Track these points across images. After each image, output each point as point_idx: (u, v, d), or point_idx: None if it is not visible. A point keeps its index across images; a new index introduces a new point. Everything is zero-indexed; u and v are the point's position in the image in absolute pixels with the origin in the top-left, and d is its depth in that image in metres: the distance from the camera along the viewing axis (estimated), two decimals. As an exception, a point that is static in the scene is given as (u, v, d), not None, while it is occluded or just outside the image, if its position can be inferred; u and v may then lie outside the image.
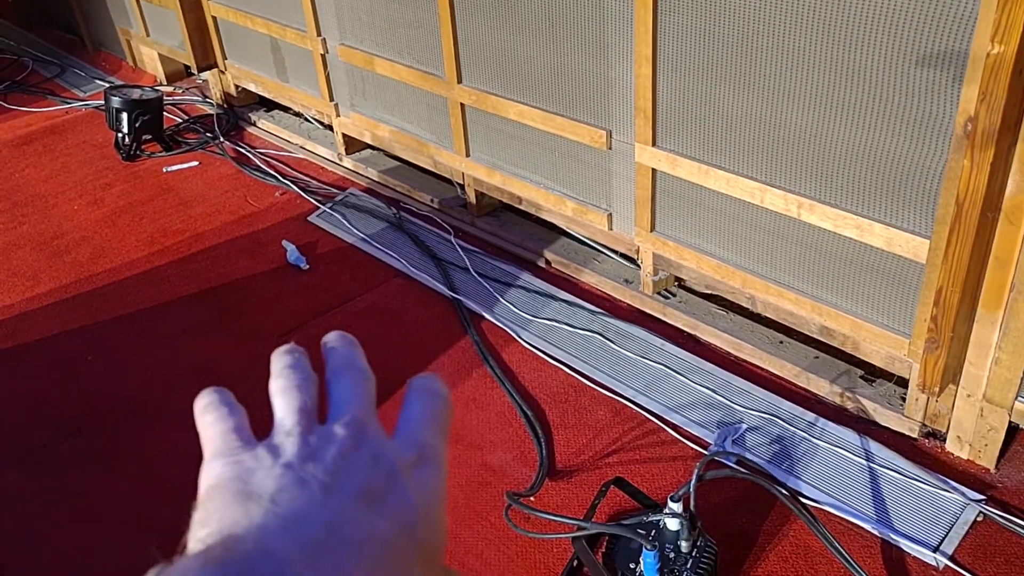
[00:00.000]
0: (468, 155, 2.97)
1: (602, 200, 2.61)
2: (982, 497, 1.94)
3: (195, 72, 4.23)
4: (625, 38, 2.27)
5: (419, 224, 3.19)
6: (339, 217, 3.27)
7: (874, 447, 2.08)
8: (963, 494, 1.94)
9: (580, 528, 1.74)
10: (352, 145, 3.59)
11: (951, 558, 1.82)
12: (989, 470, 2.02)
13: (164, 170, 3.76)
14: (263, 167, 3.70)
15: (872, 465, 2.04)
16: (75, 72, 4.93)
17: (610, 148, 2.48)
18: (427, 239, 3.09)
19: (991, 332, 1.87)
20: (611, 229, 2.62)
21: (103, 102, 3.91)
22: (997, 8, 1.50)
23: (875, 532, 1.89)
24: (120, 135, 3.82)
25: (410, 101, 3.10)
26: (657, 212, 2.45)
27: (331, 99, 3.47)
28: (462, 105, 2.87)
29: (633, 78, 2.29)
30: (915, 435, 2.12)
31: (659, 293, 2.63)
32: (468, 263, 2.93)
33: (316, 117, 3.83)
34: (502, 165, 2.88)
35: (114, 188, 3.66)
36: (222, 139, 3.93)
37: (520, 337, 2.59)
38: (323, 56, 3.37)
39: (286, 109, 4.07)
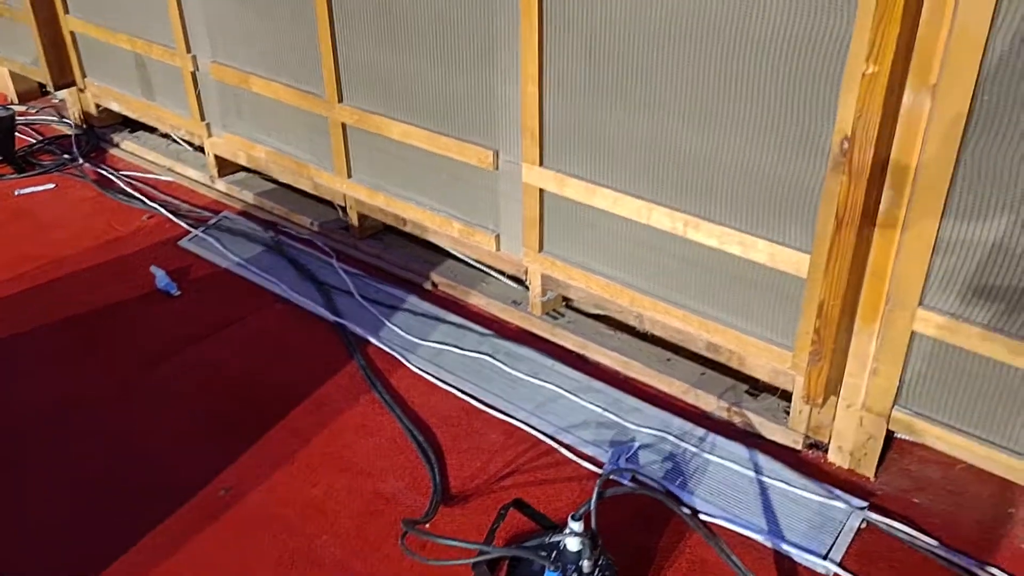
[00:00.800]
0: (350, 176, 2.90)
1: (489, 221, 2.58)
2: (865, 504, 2.00)
3: (51, 91, 3.98)
4: (512, 56, 2.27)
5: (299, 247, 3.08)
6: (212, 241, 3.12)
7: (762, 460, 2.12)
8: (847, 502, 2.00)
9: (481, 552, 1.68)
10: (225, 167, 3.44)
11: (840, 564, 1.86)
12: (869, 478, 2.09)
13: (15, 193, 3.50)
14: (128, 190, 3.49)
15: (761, 478, 2.08)
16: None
17: (497, 168, 2.46)
18: (307, 263, 2.99)
19: (868, 344, 1.95)
20: (499, 250, 2.60)
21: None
22: (871, 28, 1.57)
23: (767, 543, 1.92)
24: (-35, 156, 3.55)
25: (288, 121, 3.00)
26: (545, 232, 2.44)
27: (202, 118, 3.33)
28: (343, 125, 2.80)
29: (520, 97, 2.28)
30: (799, 447, 2.17)
31: (548, 314, 2.62)
32: (351, 287, 2.84)
33: (185, 138, 3.66)
34: (385, 186, 2.82)
35: (-42, 211, 3.38)
36: (81, 161, 3.70)
37: (408, 361, 2.53)
38: (193, 74, 3.23)
39: (152, 130, 3.88)
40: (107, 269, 3.02)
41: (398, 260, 2.94)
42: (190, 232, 3.19)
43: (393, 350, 2.57)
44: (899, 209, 1.77)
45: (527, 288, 2.72)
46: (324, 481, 2.14)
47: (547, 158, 2.32)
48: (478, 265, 2.85)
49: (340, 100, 2.75)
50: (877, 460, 2.08)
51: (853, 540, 1.92)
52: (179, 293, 2.86)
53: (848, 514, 1.98)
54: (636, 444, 2.20)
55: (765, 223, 1.98)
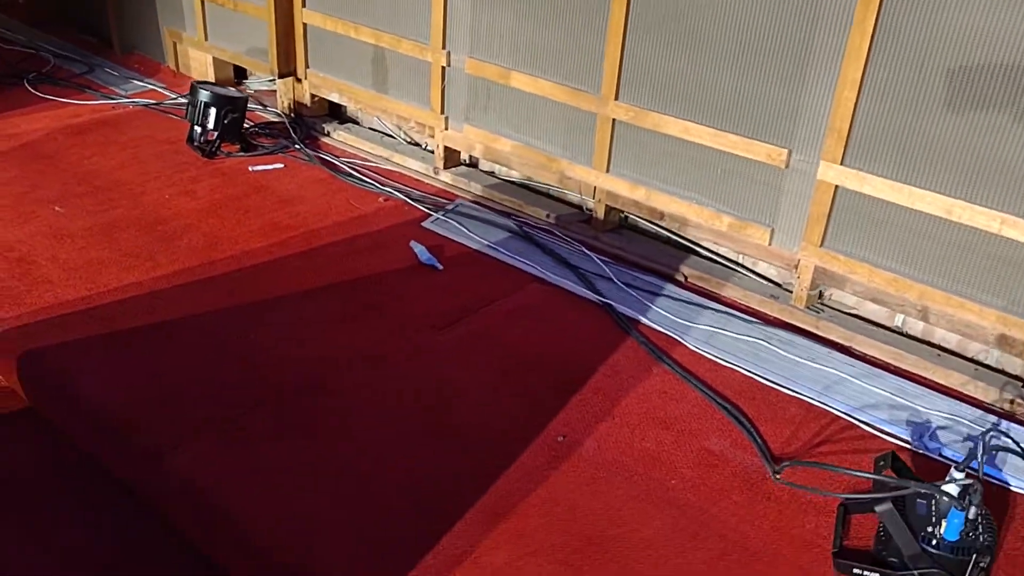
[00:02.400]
0: (608, 170, 3.09)
1: (766, 216, 2.77)
2: None
3: (249, 80, 4.19)
4: (828, 64, 2.47)
5: (542, 235, 3.26)
6: (456, 224, 3.30)
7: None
8: None
9: (895, 488, 1.84)
10: (450, 160, 3.64)
11: None
12: None
13: (250, 169, 3.69)
14: (356, 173, 3.68)
15: (1063, 460, 2.24)
16: (106, 72, 4.76)
17: (787, 166, 2.66)
18: (556, 248, 3.16)
19: None
20: (771, 244, 2.78)
21: (186, 95, 3.82)
22: None
23: (1091, 516, 2.07)
24: (200, 131, 3.73)
25: (543, 116, 3.20)
26: (830, 228, 2.63)
27: (442, 111, 3.53)
28: (613, 121, 3.00)
29: (830, 101, 2.48)
30: (1087, 437, 2.33)
31: (810, 307, 2.79)
32: (608, 272, 3.02)
33: (407, 131, 3.86)
34: (648, 180, 3.01)
35: (202, 182, 3.56)
36: (300, 146, 3.89)
37: (684, 341, 2.69)
38: (443, 68, 3.44)
39: (355, 123, 4.09)
40: (363, 242, 3.19)
41: (644, 252, 3.12)
42: (430, 215, 3.37)
43: (666, 330, 2.73)
44: None
45: (777, 284, 2.90)
46: (651, 435, 2.29)
47: (849, 157, 2.51)
48: (723, 261, 3.03)
49: (616, 97, 2.95)
50: None
51: None
52: (442, 268, 3.03)
53: None
54: (934, 425, 2.36)
55: (1092, 223, 2.17)
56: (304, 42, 3.95)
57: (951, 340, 2.63)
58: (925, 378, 2.56)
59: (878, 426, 2.36)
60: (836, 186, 2.56)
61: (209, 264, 2.98)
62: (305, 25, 3.90)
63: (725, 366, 2.59)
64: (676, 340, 2.70)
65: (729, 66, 2.68)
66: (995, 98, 2.23)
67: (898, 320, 2.73)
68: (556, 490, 2.09)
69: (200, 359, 2.49)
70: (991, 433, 2.25)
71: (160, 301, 2.76)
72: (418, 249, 3.09)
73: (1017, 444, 2.15)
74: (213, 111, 3.68)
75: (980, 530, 1.81)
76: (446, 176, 3.65)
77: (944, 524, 1.80)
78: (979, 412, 2.41)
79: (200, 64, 4.57)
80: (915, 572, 1.80)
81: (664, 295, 2.93)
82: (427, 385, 2.44)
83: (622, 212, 3.23)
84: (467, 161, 3.73)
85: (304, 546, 1.88)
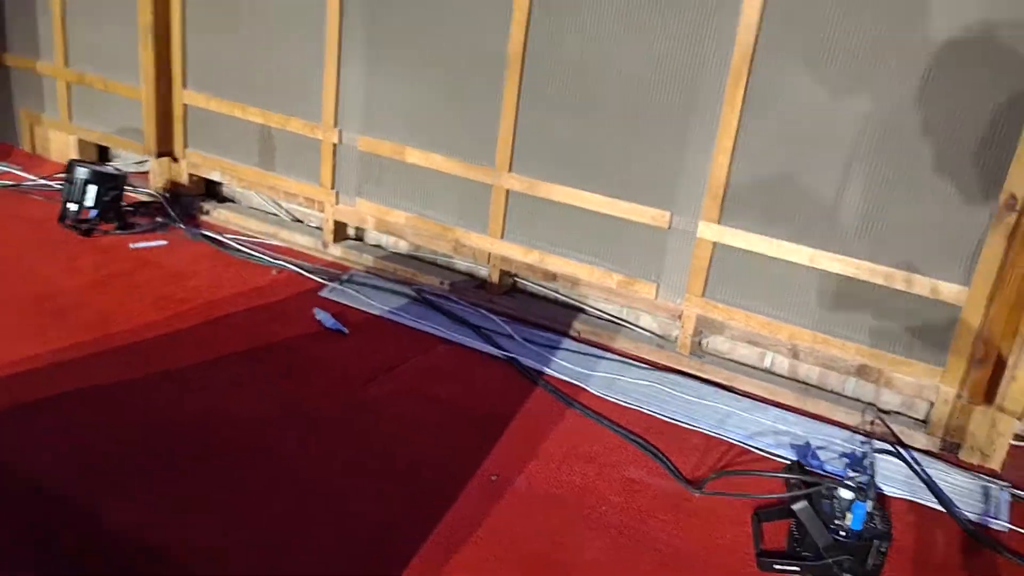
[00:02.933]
0: (503, 236, 3.31)
1: (652, 272, 3.07)
2: (1007, 484, 2.56)
3: (119, 160, 4.15)
4: (704, 134, 2.84)
5: (439, 301, 3.41)
6: (354, 293, 3.40)
7: (917, 455, 2.65)
8: (993, 482, 2.56)
9: (808, 486, 2.09)
10: (338, 234, 3.75)
11: (1009, 523, 2.39)
12: (996, 469, 2.66)
13: (131, 246, 3.63)
14: (244, 249, 3.71)
15: (922, 468, 2.60)
16: (-50, 154, 4.54)
17: (670, 227, 2.98)
18: (456, 311, 3.32)
19: (1009, 355, 2.56)
20: (657, 298, 3.08)
21: (44, 177, 3.73)
22: (1054, 113, 2.26)
23: (944, 511, 2.43)
24: (75, 208, 3.66)
25: (438, 188, 3.41)
26: (709, 280, 2.96)
27: (333, 187, 3.66)
28: (507, 191, 3.24)
29: (708, 166, 2.85)
30: (936, 449, 2.72)
31: (693, 353, 3.09)
32: (509, 330, 3.21)
33: (292, 208, 3.94)
34: (540, 244, 3.25)
35: (84, 259, 3.47)
36: (182, 223, 3.88)
37: (588, 387, 2.91)
38: (335, 145, 3.58)
39: (232, 202, 4.13)
40: (265, 311, 3.23)
41: (538, 312, 3.34)
42: (326, 285, 3.46)
43: (570, 378, 2.94)
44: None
45: (659, 336, 3.20)
46: (576, 469, 2.47)
47: (724, 217, 2.87)
48: (610, 318, 3.30)
49: (510, 169, 3.21)
50: (1006, 461, 2.66)
51: (1011, 507, 2.47)
52: (348, 332, 3.11)
53: (997, 491, 2.53)
54: (813, 446, 2.67)
55: (925, 263, 2.60)
56: (184, 122, 3.98)
57: (813, 375, 2.99)
58: (798, 408, 2.90)
59: (769, 450, 2.65)
60: (714, 242, 2.90)
61: (106, 337, 2.92)
62: (185, 105, 3.94)
63: (628, 407, 2.82)
64: (580, 387, 2.91)
65: (616, 138, 3.00)
66: (838, 164, 2.65)
67: (767, 361, 3.08)
68: (499, 523, 2.21)
69: (120, 424, 2.45)
70: (869, 445, 2.59)
71: (62, 372, 2.67)
72: (322, 316, 3.17)
73: (895, 447, 2.50)
74: (93, 188, 3.62)
75: (878, 520, 2.10)
76: (335, 249, 3.75)
77: (849, 516, 2.07)
78: (847, 433, 2.76)
79: (61, 145, 4.46)
80: (829, 560, 2.05)
81: (562, 348, 3.15)
82: (362, 437, 2.51)
83: (515, 276, 3.45)
84: (354, 236, 3.85)
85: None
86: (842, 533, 2.06)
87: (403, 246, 3.74)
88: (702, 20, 2.77)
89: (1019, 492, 2.54)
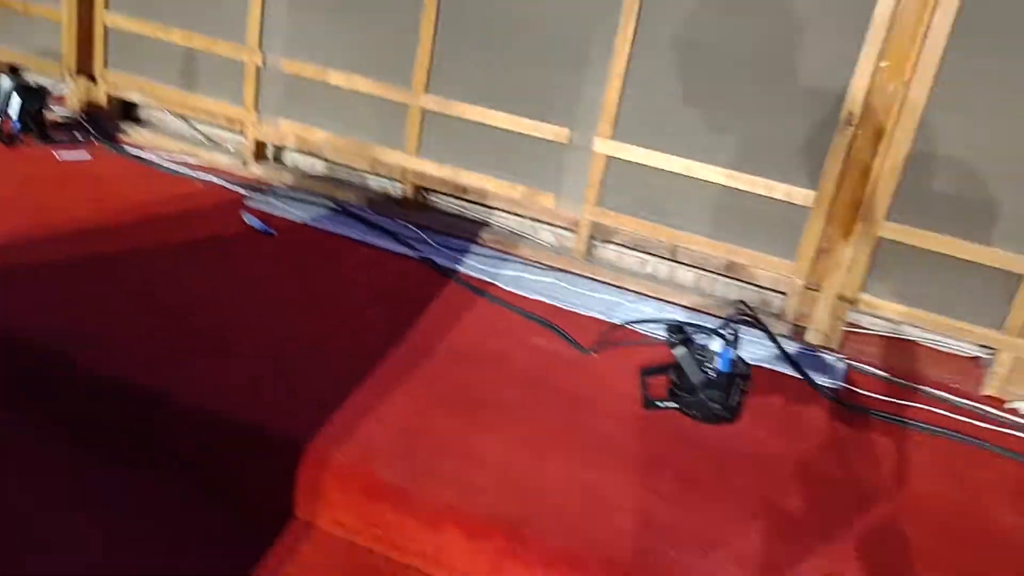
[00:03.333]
0: (418, 154, 3.64)
1: (551, 185, 3.47)
2: (843, 356, 3.09)
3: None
4: (604, 61, 3.25)
5: (358, 211, 3.71)
6: (277, 203, 3.66)
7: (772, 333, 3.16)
8: (834, 356, 3.09)
9: (681, 330, 2.54)
10: (258, 153, 3.99)
11: (844, 381, 2.92)
12: (835, 349, 3.19)
13: (58, 157, 3.77)
14: (167, 164, 3.90)
15: (783, 345, 3.10)
16: None
17: (570, 143, 3.39)
18: (374, 221, 3.63)
19: (846, 250, 3.09)
20: (556, 207, 3.48)
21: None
22: (884, 40, 2.78)
23: (798, 375, 2.93)
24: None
25: (358, 108, 3.70)
26: (603, 190, 3.38)
27: (256, 107, 3.89)
28: (423, 111, 3.57)
29: (604, 89, 3.26)
30: (788, 333, 3.24)
31: (587, 258, 3.51)
32: (424, 236, 3.55)
33: (212, 128, 4.14)
34: (453, 161, 3.60)
35: (12, 166, 3.60)
36: (103, 139, 4.02)
37: (497, 283, 3.28)
38: (258, 67, 3.82)
39: (150, 123, 4.30)
40: (195, 215, 3.45)
41: (449, 223, 3.69)
42: (250, 197, 3.70)
43: (480, 275, 3.31)
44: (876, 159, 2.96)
45: (556, 247, 3.61)
46: (491, 340, 2.84)
47: (617, 133, 3.29)
48: (512, 229, 3.69)
49: (426, 90, 3.54)
50: (841, 339, 3.20)
51: (846, 373, 3.00)
52: (276, 234, 3.38)
53: (835, 361, 3.06)
54: (691, 331, 3.14)
55: (782, 171, 3.09)
56: (104, 43, 4.11)
57: (688, 279, 3.46)
58: (676, 302, 3.36)
59: (651, 332, 3.10)
60: (608, 156, 3.32)
61: (49, 226, 3.10)
62: (106, 26, 4.07)
63: (531, 299, 3.21)
64: (489, 283, 3.28)
65: (523, 63, 3.37)
66: (712, 86, 3.11)
67: (648, 268, 3.53)
68: (432, 372, 2.57)
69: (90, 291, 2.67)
70: (735, 311, 3.08)
71: (14, 248, 2.86)
72: (250, 219, 3.42)
73: (755, 318, 3.01)
74: (17, 99, 3.74)
75: (740, 365, 2.57)
76: (256, 168, 3.98)
77: (718, 360, 2.53)
78: (720, 321, 3.24)
79: (-30, 66, 4.49)
80: (702, 396, 2.51)
81: (472, 253, 3.51)
82: (307, 312, 2.82)
83: (427, 191, 3.78)
84: (273, 157, 4.09)
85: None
86: (712, 373, 2.52)
87: (320, 167, 4.01)
88: (601, -42, 3.18)
89: (851, 362, 3.08)
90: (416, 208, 3.78)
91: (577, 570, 1.93)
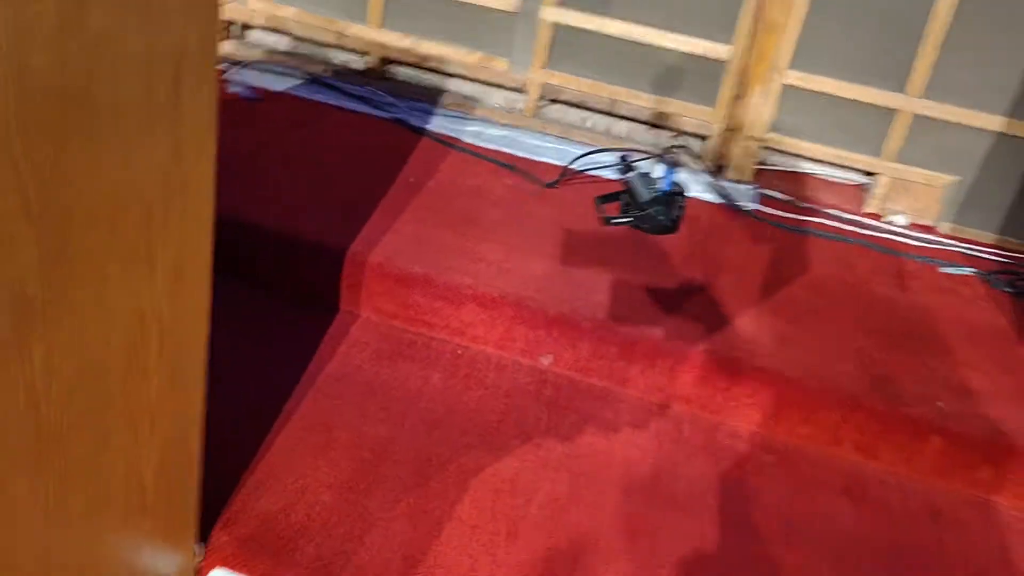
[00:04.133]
0: (382, 26, 4.05)
1: (502, 50, 3.94)
2: (756, 185, 3.74)
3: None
4: (545, -64, 3.70)
5: (328, 81, 4.11)
6: (252, 75, 4.02)
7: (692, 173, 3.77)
8: (748, 187, 3.73)
9: (629, 160, 3.11)
10: (225, 33, 4.30)
11: (759, 203, 3.57)
12: (749, 182, 3.83)
13: None
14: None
15: (708, 178, 3.71)
16: None
17: (519, 12, 3.85)
18: (345, 89, 4.04)
19: (755, 96, 3.70)
20: (510, 71, 3.97)
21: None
22: (786, -86, 3.33)
23: (724, 203, 3.56)
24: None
25: (322, -14, 4.06)
26: (551, 54, 3.88)
27: (221, -13, 4.18)
28: (385, -14, 3.96)
29: (548, -39, 3.73)
30: (710, 171, 3.86)
31: (536, 116, 4.03)
32: (393, 100, 3.99)
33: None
34: (414, 31, 4.02)
35: None
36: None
37: (461, 139, 3.78)
38: (223, -51, 4.10)
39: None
40: (183, 86, 3.79)
41: (410, 90, 4.13)
42: (225, 69, 4.04)
43: (447, 132, 3.80)
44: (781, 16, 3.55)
45: (504, 106, 4.10)
46: (467, 178, 3.36)
47: (563, 0, 3.77)
48: (465, 92, 4.16)
49: (387, -33, 3.92)
50: (754, 174, 3.84)
51: (759, 199, 3.65)
52: (263, 99, 3.77)
53: (749, 190, 3.70)
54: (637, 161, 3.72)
55: (703, 30, 3.65)
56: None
57: (624, 130, 4.03)
58: (615, 149, 3.93)
59: (600, 169, 3.66)
60: (555, 23, 3.81)
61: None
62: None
63: (493, 149, 3.73)
64: (455, 138, 3.77)
65: (474, -59, 3.79)
66: (648, -44, 3.62)
67: (590, 123, 4.07)
68: (427, 201, 3.08)
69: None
70: (674, 146, 3.67)
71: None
72: (236, 87, 3.79)
73: (685, 151, 3.62)
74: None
75: (678, 185, 3.17)
76: (226, 45, 4.30)
77: (661, 182, 3.12)
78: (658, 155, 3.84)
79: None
80: (650, 210, 3.11)
81: (435, 115, 3.97)
82: (316, 159, 3.26)
83: (391, 63, 4.20)
84: (239, 36, 4.40)
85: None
86: (657, 192, 3.12)
87: (285, 44, 4.35)
88: None
89: (762, 191, 3.73)
90: (380, 79, 4.19)
91: (571, 328, 2.52)
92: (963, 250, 3.53)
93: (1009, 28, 3.40)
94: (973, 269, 3.36)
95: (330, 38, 4.16)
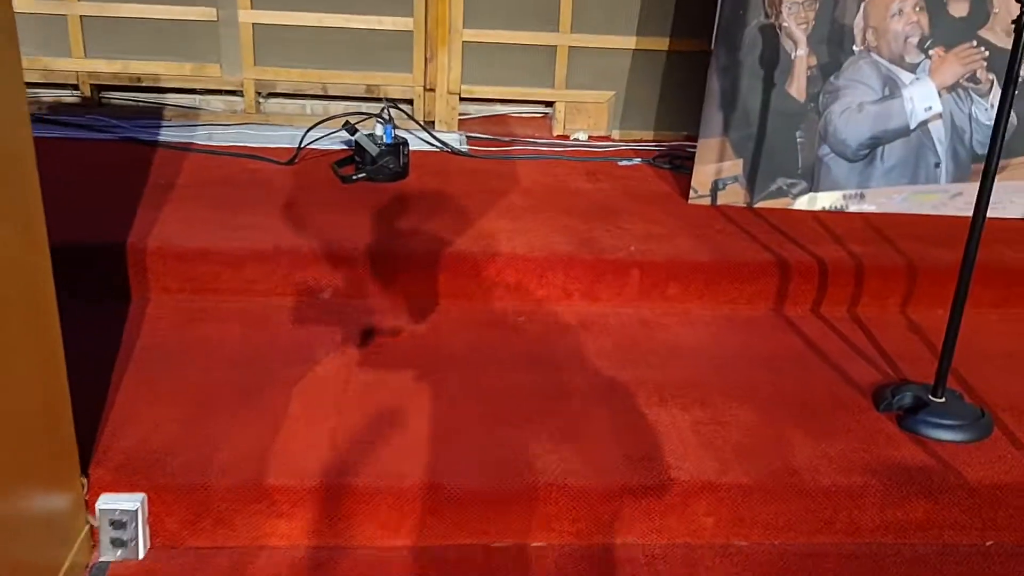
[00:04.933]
0: (85, 55, 4.23)
1: (212, 57, 4.29)
2: (465, 135, 4.38)
3: None
4: (226, -52, 4.08)
5: (48, 116, 4.22)
6: (-34, 126, 4.05)
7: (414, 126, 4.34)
8: (458, 136, 4.37)
9: (352, 125, 3.61)
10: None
11: (468, 143, 4.21)
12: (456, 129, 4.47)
13: None
14: None
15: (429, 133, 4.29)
16: None
17: (219, 19, 4.21)
18: (63, 121, 4.19)
19: (445, 56, 4.33)
20: (222, 75, 4.32)
21: None
22: (430, -100, 3.97)
23: (447, 150, 4.16)
24: None
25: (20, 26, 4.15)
26: (256, 52, 4.28)
27: (-95, 47, 4.15)
28: (81, 17, 4.15)
29: (235, -30, 4.12)
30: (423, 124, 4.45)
31: (258, 111, 4.42)
32: (117, 123, 4.20)
33: None
34: (120, 55, 4.25)
35: None
36: None
37: (195, 141, 4.09)
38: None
39: None
40: None
41: (133, 111, 4.36)
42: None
43: (179, 139, 4.09)
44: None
45: (226, 110, 4.46)
46: (215, 170, 3.70)
47: (255, 3, 4.18)
48: (184, 104, 4.46)
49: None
50: (459, 123, 4.48)
51: (467, 141, 4.29)
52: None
53: (458, 135, 4.34)
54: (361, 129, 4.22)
55: (388, 8, 4.23)
56: None
57: (340, 108, 4.51)
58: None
59: (329, 147, 4.13)
60: (252, 23, 4.21)
61: None
62: None
63: (227, 145, 4.08)
64: (189, 143, 4.08)
65: (160, -38, 4.10)
66: (323, -48, 4.12)
67: (308, 109, 4.52)
68: (187, 193, 3.40)
69: None
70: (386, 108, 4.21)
71: None
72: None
73: (399, 108, 4.17)
74: None
75: (399, 137, 3.72)
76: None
77: (384, 137, 3.66)
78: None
79: None
80: (380, 162, 3.63)
81: (163, 128, 4.24)
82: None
83: (103, 90, 4.38)
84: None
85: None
86: (383, 145, 3.65)
87: (-13, 91, 4.39)
88: None
89: (469, 135, 4.38)
90: (98, 106, 4.37)
91: (344, 262, 3.00)
92: (633, 147, 4.39)
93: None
94: (640, 159, 4.22)
95: (36, 76, 4.28)
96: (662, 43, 4.37)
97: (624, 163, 4.18)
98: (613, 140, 4.49)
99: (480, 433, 2.38)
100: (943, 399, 2.53)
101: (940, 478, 2.31)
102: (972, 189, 2.69)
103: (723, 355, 2.87)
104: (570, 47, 4.38)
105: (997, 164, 2.31)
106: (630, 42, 4.37)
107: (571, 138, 4.50)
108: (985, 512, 2.30)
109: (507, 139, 4.37)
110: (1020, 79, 2.92)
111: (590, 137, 4.51)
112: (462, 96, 4.45)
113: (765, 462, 2.33)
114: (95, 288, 2.90)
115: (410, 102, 4.48)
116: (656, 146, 4.41)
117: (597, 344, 2.89)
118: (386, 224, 3.26)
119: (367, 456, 2.25)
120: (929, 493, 2.28)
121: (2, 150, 1.70)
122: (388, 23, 4.27)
